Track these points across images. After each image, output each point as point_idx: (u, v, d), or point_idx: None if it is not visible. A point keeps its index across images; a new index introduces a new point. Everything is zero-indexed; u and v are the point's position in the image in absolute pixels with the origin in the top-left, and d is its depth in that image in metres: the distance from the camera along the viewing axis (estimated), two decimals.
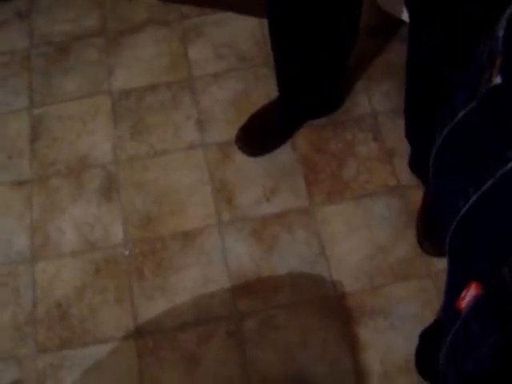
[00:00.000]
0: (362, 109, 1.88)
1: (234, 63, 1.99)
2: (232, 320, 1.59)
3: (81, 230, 1.73)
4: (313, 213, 1.72)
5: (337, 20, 1.48)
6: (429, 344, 1.38)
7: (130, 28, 2.09)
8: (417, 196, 1.70)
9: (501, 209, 0.54)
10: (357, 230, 1.69)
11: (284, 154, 1.82)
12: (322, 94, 1.80)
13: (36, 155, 1.86)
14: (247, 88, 1.93)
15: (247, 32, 2.04)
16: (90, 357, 1.57)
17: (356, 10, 1.51)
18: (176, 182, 1.79)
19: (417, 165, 1.69)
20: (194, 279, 1.65)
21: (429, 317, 1.54)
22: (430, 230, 1.63)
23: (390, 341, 1.55)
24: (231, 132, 1.84)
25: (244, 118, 1.84)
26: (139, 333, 1.59)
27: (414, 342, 1.42)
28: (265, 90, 1.91)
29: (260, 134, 1.83)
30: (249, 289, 1.63)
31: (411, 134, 1.61)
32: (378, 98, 1.89)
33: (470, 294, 0.54)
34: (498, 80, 0.57)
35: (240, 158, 1.81)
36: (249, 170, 1.80)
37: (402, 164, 1.75)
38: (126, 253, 1.69)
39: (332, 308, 1.60)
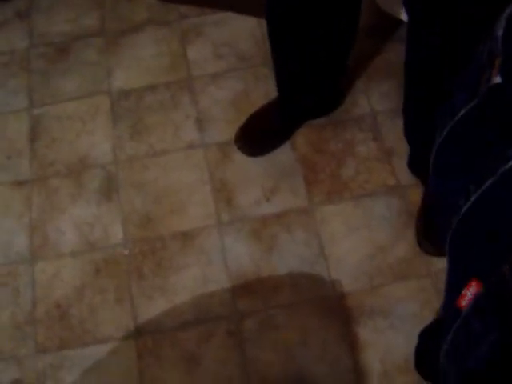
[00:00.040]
0: (361, 109, 1.88)
1: (233, 63, 1.99)
2: (232, 320, 1.59)
3: (80, 230, 1.73)
4: (312, 213, 1.72)
5: (336, 20, 1.48)
6: (428, 343, 1.38)
7: (129, 28, 2.09)
8: (416, 196, 1.71)
9: (501, 207, 0.54)
10: (356, 229, 1.69)
11: (283, 154, 1.82)
12: (322, 94, 1.80)
13: (35, 155, 1.86)
14: (247, 88, 1.93)
15: (246, 32, 2.04)
16: (90, 357, 1.57)
17: (355, 10, 1.51)
18: (175, 182, 1.79)
19: (416, 165, 1.69)
20: (194, 279, 1.65)
21: (428, 316, 1.54)
22: (430, 230, 1.63)
23: (390, 340, 1.55)
24: (231, 132, 1.84)
25: (243, 118, 1.84)
26: (139, 333, 1.59)
27: (414, 341, 1.42)
28: (264, 90, 1.91)
29: (259, 134, 1.83)
30: (248, 289, 1.63)
31: (410, 133, 1.61)
32: (377, 98, 1.90)
33: (470, 293, 0.54)
34: (497, 80, 0.57)
35: (239, 157, 1.81)
36: (248, 170, 1.80)
37: (401, 164, 1.75)
38: (126, 253, 1.69)
39: (332, 308, 1.60)
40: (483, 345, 0.51)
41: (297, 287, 1.63)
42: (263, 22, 1.57)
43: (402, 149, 1.74)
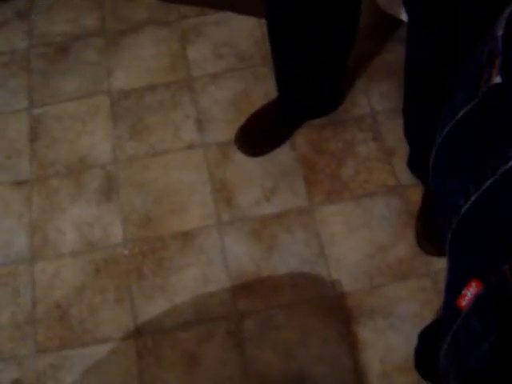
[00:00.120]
0: (361, 109, 1.88)
1: (233, 63, 1.99)
2: (232, 320, 1.59)
3: (80, 229, 1.73)
4: (312, 213, 1.72)
5: (336, 20, 1.48)
6: (428, 343, 1.38)
7: (129, 28, 2.10)
8: (416, 196, 1.71)
9: (501, 207, 0.54)
10: (356, 229, 1.70)
11: (283, 154, 1.82)
12: (322, 94, 1.80)
13: (35, 155, 1.86)
14: (247, 88, 1.94)
15: (246, 32, 2.04)
16: (90, 357, 1.57)
17: (355, 10, 1.51)
18: (175, 182, 1.79)
19: (416, 165, 1.69)
20: (194, 279, 1.65)
21: (428, 316, 1.54)
22: (430, 230, 1.63)
23: (390, 340, 1.55)
24: (231, 132, 1.84)
25: (243, 118, 1.84)
26: (139, 332, 1.59)
27: (414, 341, 1.43)
28: (264, 90, 1.91)
29: (259, 134, 1.83)
30: (248, 289, 1.63)
31: (410, 133, 1.61)
32: (377, 98, 1.90)
33: (470, 293, 0.54)
34: (497, 79, 0.57)
35: (239, 157, 1.82)
36: (248, 170, 1.80)
37: (401, 164, 1.75)
38: (126, 252, 1.69)
39: (332, 308, 1.60)
40: (483, 345, 0.51)
41: (297, 287, 1.63)
42: (263, 22, 1.57)
43: (402, 149, 1.74)
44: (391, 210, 1.71)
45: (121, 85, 1.98)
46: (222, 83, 1.95)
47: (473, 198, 0.57)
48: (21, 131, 1.91)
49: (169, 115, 1.91)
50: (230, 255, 1.67)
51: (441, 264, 1.60)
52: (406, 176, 1.75)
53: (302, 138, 1.84)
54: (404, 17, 1.81)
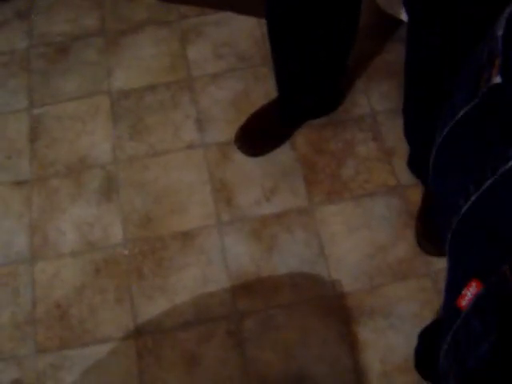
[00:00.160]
0: (361, 109, 1.88)
1: (233, 63, 1.99)
2: (232, 320, 1.59)
3: (80, 229, 1.73)
4: (312, 213, 1.72)
5: (336, 20, 1.48)
6: (428, 343, 1.38)
7: (129, 28, 2.10)
8: (416, 196, 1.71)
9: (501, 207, 0.54)
10: (356, 229, 1.70)
11: (283, 154, 1.82)
12: (322, 94, 1.80)
13: (35, 155, 1.86)
14: (247, 88, 1.94)
15: (246, 32, 2.04)
16: (90, 357, 1.57)
17: (355, 10, 1.51)
18: (175, 182, 1.79)
19: (416, 165, 1.69)
20: (194, 279, 1.65)
21: (428, 316, 1.54)
22: (430, 230, 1.63)
23: (390, 340, 1.55)
24: (231, 132, 1.84)
25: (243, 118, 1.84)
26: (139, 332, 1.59)
27: (414, 341, 1.43)
28: (264, 90, 1.91)
29: (259, 134, 1.83)
30: (248, 289, 1.63)
31: (410, 133, 1.61)
32: (377, 98, 1.90)
33: (470, 293, 0.54)
34: (497, 79, 0.57)
35: (239, 157, 1.82)
36: (248, 170, 1.80)
37: (401, 164, 1.75)
38: (126, 252, 1.69)
39: (332, 308, 1.60)
40: (483, 345, 0.51)
41: (297, 287, 1.63)
42: (263, 22, 1.57)
43: (402, 149, 1.74)
44: (391, 210, 1.71)
45: (121, 85, 1.98)
46: (222, 83, 1.96)
47: (473, 198, 0.57)
48: (21, 131, 1.91)
49: (169, 115, 1.91)
50: (230, 255, 1.67)
51: (441, 264, 1.60)
52: (406, 176, 1.75)
53: (302, 138, 1.84)
54: (404, 17, 1.81)
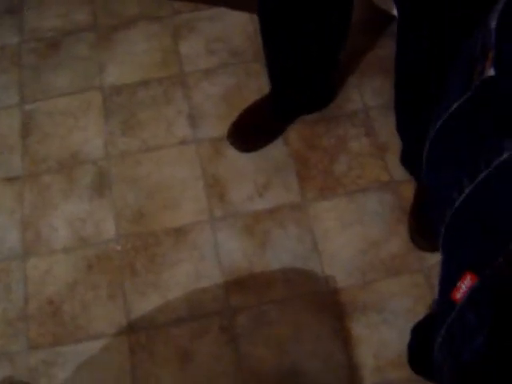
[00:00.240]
0: (354, 104, 1.88)
1: (225, 58, 1.99)
2: (225, 315, 1.59)
3: (73, 225, 1.73)
4: (305, 208, 1.72)
5: (328, 14, 1.48)
6: (421, 338, 1.38)
7: (121, 23, 2.09)
8: (409, 191, 1.71)
9: (495, 200, 0.54)
10: (349, 225, 1.69)
11: (276, 150, 1.82)
12: (314, 89, 1.80)
13: (27, 151, 1.85)
14: (239, 83, 1.93)
15: (239, 27, 2.04)
16: (83, 353, 1.56)
17: (348, 4, 1.51)
18: (168, 178, 1.78)
19: (409, 160, 1.69)
20: (187, 275, 1.64)
21: (421, 311, 1.54)
22: (423, 226, 1.63)
23: (383, 336, 1.55)
24: (223, 127, 1.84)
25: (236, 114, 1.84)
26: (132, 328, 1.59)
27: (407, 336, 1.43)
28: (257, 86, 1.91)
29: (252, 130, 1.83)
30: (241, 284, 1.63)
31: (402, 129, 1.61)
32: (370, 94, 1.90)
33: (465, 285, 0.54)
34: (491, 72, 0.56)
35: (232, 153, 1.81)
36: (241, 166, 1.79)
37: (394, 159, 1.75)
38: (119, 248, 1.69)
39: (325, 303, 1.60)
40: (478, 338, 0.51)
41: (290, 283, 1.62)
42: (256, 18, 1.57)
43: (395, 144, 1.74)
44: (384, 206, 1.71)
45: (113, 80, 1.97)
46: (214, 79, 1.95)
47: (467, 191, 0.57)
48: (12, 127, 1.90)
49: (161, 111, 1.90)
50: (223, 251, 1.67)
51: (434, 259, 1.60)
52: (398, 171, 1.75)
53: (294, 133, 1.84)
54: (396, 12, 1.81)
